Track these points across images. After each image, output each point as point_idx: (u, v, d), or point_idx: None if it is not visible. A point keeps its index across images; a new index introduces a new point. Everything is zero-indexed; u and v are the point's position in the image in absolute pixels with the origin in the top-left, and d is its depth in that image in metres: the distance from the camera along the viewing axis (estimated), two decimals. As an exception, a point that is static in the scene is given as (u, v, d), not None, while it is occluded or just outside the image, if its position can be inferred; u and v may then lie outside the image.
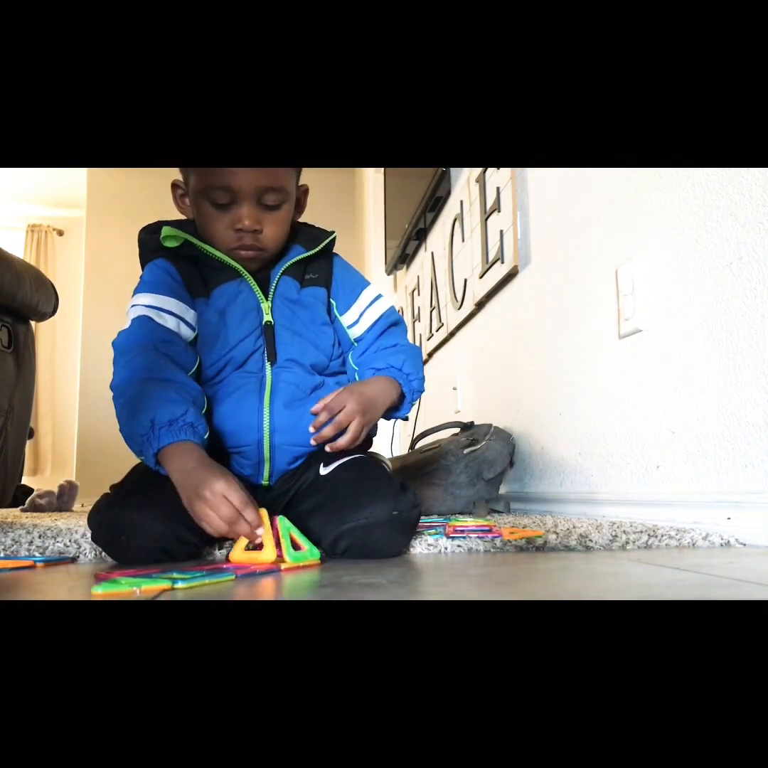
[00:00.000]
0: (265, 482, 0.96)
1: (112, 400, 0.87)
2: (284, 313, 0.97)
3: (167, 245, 0.96)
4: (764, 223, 0.90)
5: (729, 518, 0.93)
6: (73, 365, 4.79)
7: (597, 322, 1.34)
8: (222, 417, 0.93)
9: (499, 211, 1.83)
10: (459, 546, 0.87)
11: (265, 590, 0.62)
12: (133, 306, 0.94)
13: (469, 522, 1.00)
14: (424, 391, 1.02)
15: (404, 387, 0.97)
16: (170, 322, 0.93)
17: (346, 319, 1.03)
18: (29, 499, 2.32)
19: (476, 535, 0.91)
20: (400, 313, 3.24)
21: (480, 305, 2.05)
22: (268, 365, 0.95)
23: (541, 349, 1.64)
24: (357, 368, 1.01)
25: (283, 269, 0.97)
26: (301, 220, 1.04)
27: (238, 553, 0.75)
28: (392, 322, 1.04)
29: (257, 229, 0.91)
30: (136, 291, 0.96)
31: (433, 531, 0.97)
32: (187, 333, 0.95)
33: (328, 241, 1.02)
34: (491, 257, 1.88)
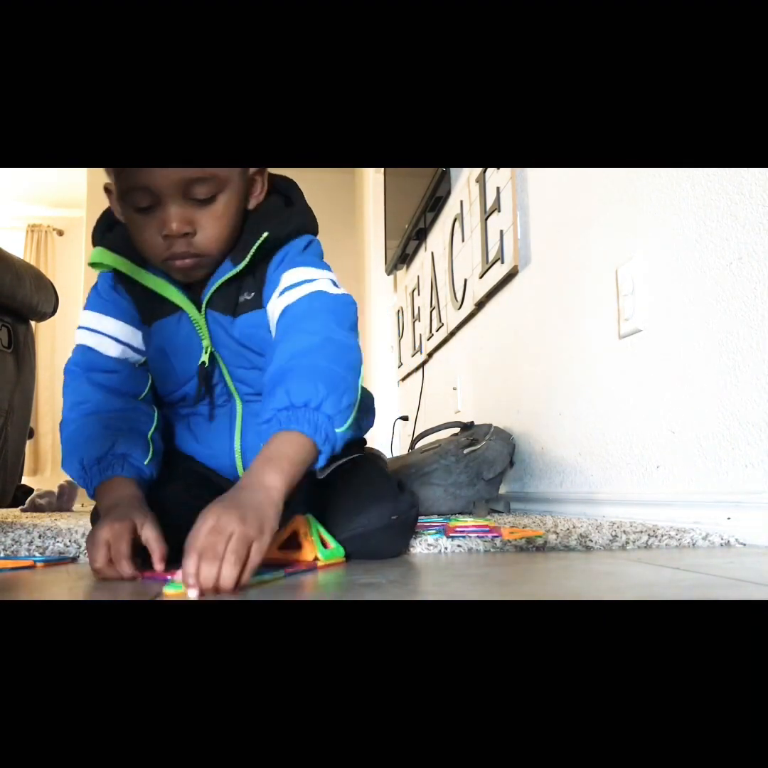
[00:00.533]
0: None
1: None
2: (228, 348, 0.84)
3: (96, 270, 0.86)
4: (764, 223, 0.90)
5: (729, 518, 0.93)
6: (73, 365, 4.79)
7: (597, 322, 1.34)
8: (192, 439, 0.92)
9: (499, 211, 1.83)
10: (459, 546, 0.87)
11: (266, 590, 0.62)
12: (79, 327, 0.88)
13: (469, 522, 1.00)
14: (353, 404, 0.72)
15: (305, 428, 0.67)
16: (112, 350, 0.85)
17: (269, 320, 0.82)
18: (29, 499, 2.32)
19: (476, 535, 0.91)
20: (400, 313, 3.25)
21: (480, 305, 2.05)
22: (237, 400, 0.88)
23: (541, 349, 1.64)
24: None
25: (205, 301, 0.82)
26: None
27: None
28: (306, 309, 0.77)
29: (188, 232, 0.76)
30: (87, 303, 0.89)
31: (433, 531, 0.97)
32: (134, 357, 0.88)
33: (254, 249, 0.80)
34: (491, 257, 1.88)
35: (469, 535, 0.91)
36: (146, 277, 0.82)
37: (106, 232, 0.86)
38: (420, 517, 0.98)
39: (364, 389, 0.79)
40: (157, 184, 0.73)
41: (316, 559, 0.74)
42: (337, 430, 0.69)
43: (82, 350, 0.86)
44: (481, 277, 1.97)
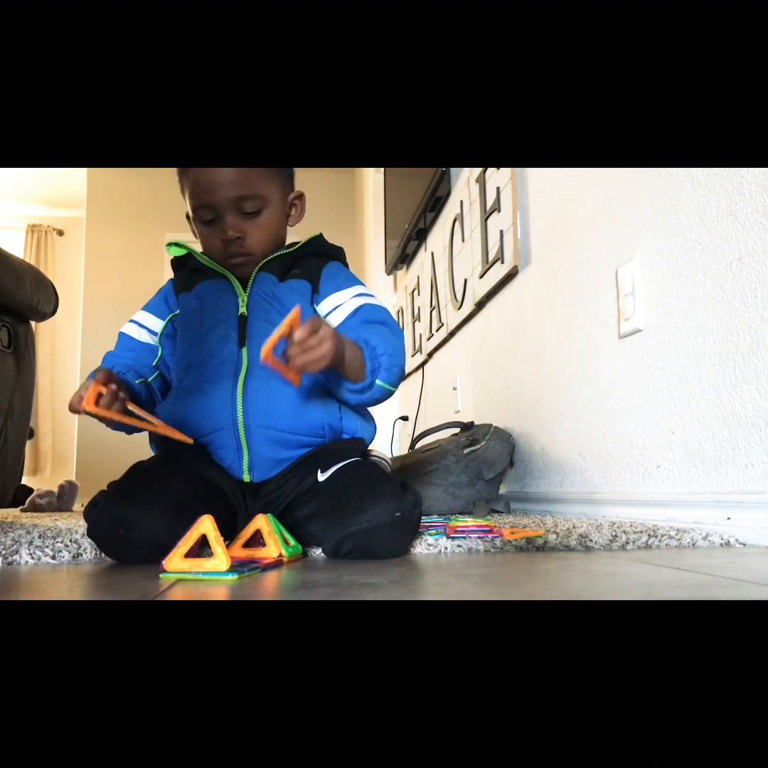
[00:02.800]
0: (246, 476, 0.95)
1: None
2: (260, 304, 1.01)
3: (169, 253, 1.09)
4: (764, 223, 0.90)
5: (729, 518, 0.93)
6: (73, 365, 4.80)
7: (597, 322, 1.34)
8: (198, 402, 0.97)
9: (499, 211, 1.83)
10: (459, 546, 0.87)
11: (265, 590, 0.62)
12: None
13: (470, 522, 1.00)
14: (397, 377, 0.96)
15: (367, 359, 0.92)
16: (144, 335, 1.09)
17: (323, 307, 1.03)
18: (29, 499, 2.32)
19: (476, 536, 0.91)
20: (400, 313, 3.25)
21: (480, 305, 2.05)
22: (244, 352, 0.99)
23: (541, 349, 1.64)
24: None
25: (260, 266, 1.02)
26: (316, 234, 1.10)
27: (177, 560, 0.71)
28: (379, 321, 1.00)
29: (240, 237, 0.98)
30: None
31: (433, 531, 0.97)
32: (146, 338, 1.09)
33: (309, 239, 1.06)
34: (491, 257, 1.88)
35: (470, 535, 0.91)
36: (205, 259, 1.05)
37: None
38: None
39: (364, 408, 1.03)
40: (215, 201, 0.96)
41: (280, 555, 0.76)
42: (378, 382, 0.93)
43: (120, 336, 1.10)
44: (481, 277, 1.97)
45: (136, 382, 1.00)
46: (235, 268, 1.03)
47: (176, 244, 1.08)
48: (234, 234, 0.98)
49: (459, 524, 0.97)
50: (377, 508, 0.80)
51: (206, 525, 0.71)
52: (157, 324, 1.08)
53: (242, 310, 1.01)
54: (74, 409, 0.86)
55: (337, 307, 1.02)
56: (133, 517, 0.79)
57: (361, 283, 1.08)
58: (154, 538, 0.79)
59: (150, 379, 1.05)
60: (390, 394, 0.97)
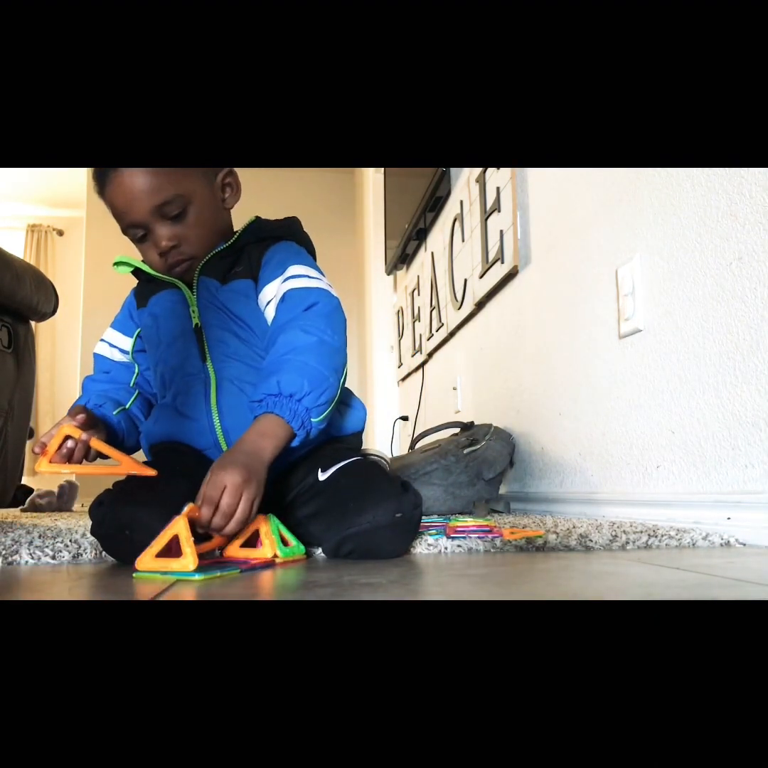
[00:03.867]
0: None
1: None
2: (211, 312, 0.97)
3: (118, 271, 1.03)
4: (764, 223, 0.90)
5: (729, 518, 0.93)
6: (73, 365, 4.80)
7: (597, 322, 1.34)
8: (180, 423, 0.96)
9: (499, 211, 1.83)
10: (459, 546, 0.87)
11: (266, 590, 0.62)
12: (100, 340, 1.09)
13: (470, 522, 1.00)
14: (331, 399, 0.83)
15: (286, 415, 0.80)
16: (116, 355, 1.07)
17: (261, 301, 0.95)
18: (29, 499, 2.32)
19: (476, 536, 0.91)
20: (400, 313, 3.25)
21: (480, 305, 2.05)
22: (209, 364, 0.96)
23: (541, 349, 1.64)
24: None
25: (198, 271, 0.97)
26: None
27: (148, 559, 0.71)
28: (308, 305, 0.87)
29: (175, 245, 0.93)
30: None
31: (433, 531, 0.97)
32: (119, 357, 1.07)
33: (243, 227, 0.99)
34: (491, 257, 1.88)
35: (470, 535, 0.91)
36: (153, 271, 0.99)
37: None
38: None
39: (343, 387, 0.90)
40: (136, 217, 0.91)
41: (275, 556, 0.77)
42: (313, 420, 0.82)
43: (96, 358, 1.08)
44: (481, 277, 1.97)
45: (114, 412, 0.98)
46: (182, 275, 0.97)
47: (123, 263, 1.01)
48: (167, 244, 0.92)
49: (459, 524, 0.97)
50: (378, 509, 0.80)
51: (179, 525, 0.71)
52: (126, 342, 1.06)
53: (195, 320, 0.97)
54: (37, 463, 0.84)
55: (270, 300, 0.93)
56: (138, 519, 0.79)
57: (299, 261, 0.95)
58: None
59: (128, 404, 1.02)
60: (329, 413, 0.85)
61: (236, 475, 0.74)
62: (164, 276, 0.98)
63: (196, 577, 0.66)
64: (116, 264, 1.02)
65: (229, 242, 0.97)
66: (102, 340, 1.07)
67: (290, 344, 0.84)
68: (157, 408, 1.02)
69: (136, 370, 1.05)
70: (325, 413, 0.83)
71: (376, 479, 0.87)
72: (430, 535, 0.92)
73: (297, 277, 0.91)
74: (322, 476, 0.91)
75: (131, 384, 1.05)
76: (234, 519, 0.74)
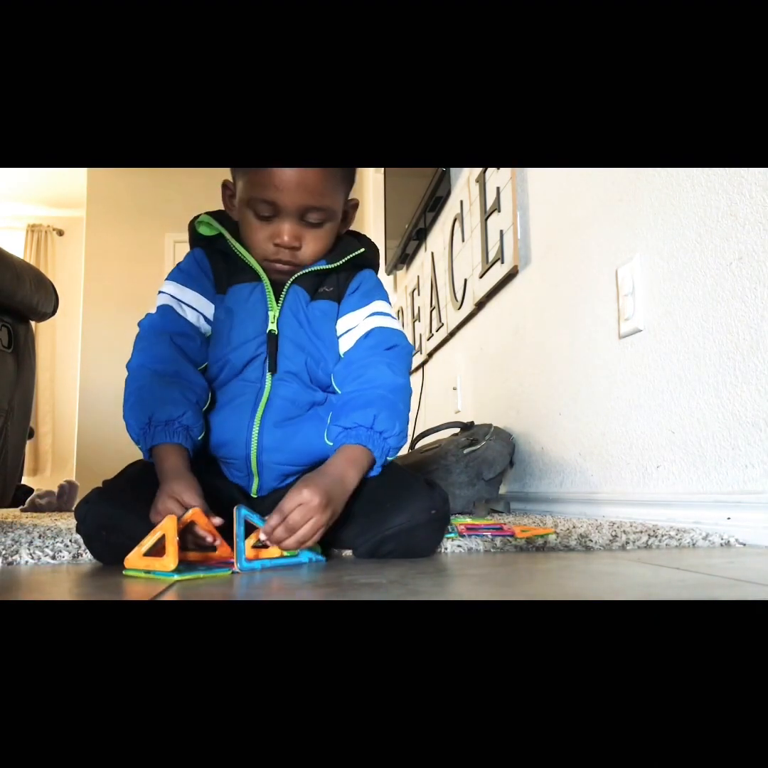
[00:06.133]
0: (253, 494, 0.95)
1: (125, 380, 0.90)
2: (290, 324, 0.94)
3: (200, 231, 0.96)
4: (764, 223, 0.90)
5: (729, 518, 0.93)
6: (73, 365, 4.80)
7: (597, 322, 1.34)
8: (215, 425, 0.92)
9: (499, 211, 1.83)
10: (459, 546, 0.87)
11: (266, 590, 0.62)
12: (160, 292, 0.96)
13: (481, 521, 1.00)
14: (404, 443, 0.90)
15: (376, 450, 0.84)
16: (190, 315, 0.94)
17: (339, 328, 0.96)
18: (29, 499, 2.32)
19: (490, 534, 0.91)
20: (400, 313, 3.25)
21: (480, 305, 2.05)
22: (268, 376, 0.92)
23: (541, 349, 1.64)
24: (339, 391, 0.93)
25: (293, 279, 0.94)
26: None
27: (135, 558, 0.72)
28: (390, 346, 0.93)
29: (296, 246, 0.90)
30: (169, 276, 0.97)
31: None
32: (205, 328, 0.96)
33: (350, 257, 0.96)
34: (491, 257, 1.88)
35: (483, 533, 0.91)
36: (239, 247, 0.93)
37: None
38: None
39: None
40: (284, 202, 0.86)
41: (280, 556, 0.77)
42: (388, 458, 0.87)
43: (165, 311, 0.94)
44: (481, 277, 1.97)
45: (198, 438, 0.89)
46: (274, 273, 0.93)
47: (208, 223, 0.95)
48: (291, 242, 0.89)
49: (471, 523, 0.97)
50: (414, 507, 0.81)
51: (167, 525, 0.71)
52: (209, 309, 0.96)
53: (272, 326, 0.93)
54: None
55: (350, 329, 0.95)
56: (116, 520, 0.78)
57: (381, 296, 0.99)
58: (134, 541, 0.74)
59: (205, 406, 0.92)
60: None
61: (316, 497, 0.74)
62: (253, 261, 0.92)
63: (172, 577, 0.66)
64: (199, 223, 0.95)
65: (335, 265, 0.94)
66: (180, 299, 0.94)
67: (382, 382, 0.89)
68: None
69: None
70: (400, 446, 0.88)
71: (406, 480, 0.87)
72: (447, 535, 0.91)
73: (382, 314, 0.96)
74: None
75: (201, 367, 0.94)
76: (294, 537, 0.74)
